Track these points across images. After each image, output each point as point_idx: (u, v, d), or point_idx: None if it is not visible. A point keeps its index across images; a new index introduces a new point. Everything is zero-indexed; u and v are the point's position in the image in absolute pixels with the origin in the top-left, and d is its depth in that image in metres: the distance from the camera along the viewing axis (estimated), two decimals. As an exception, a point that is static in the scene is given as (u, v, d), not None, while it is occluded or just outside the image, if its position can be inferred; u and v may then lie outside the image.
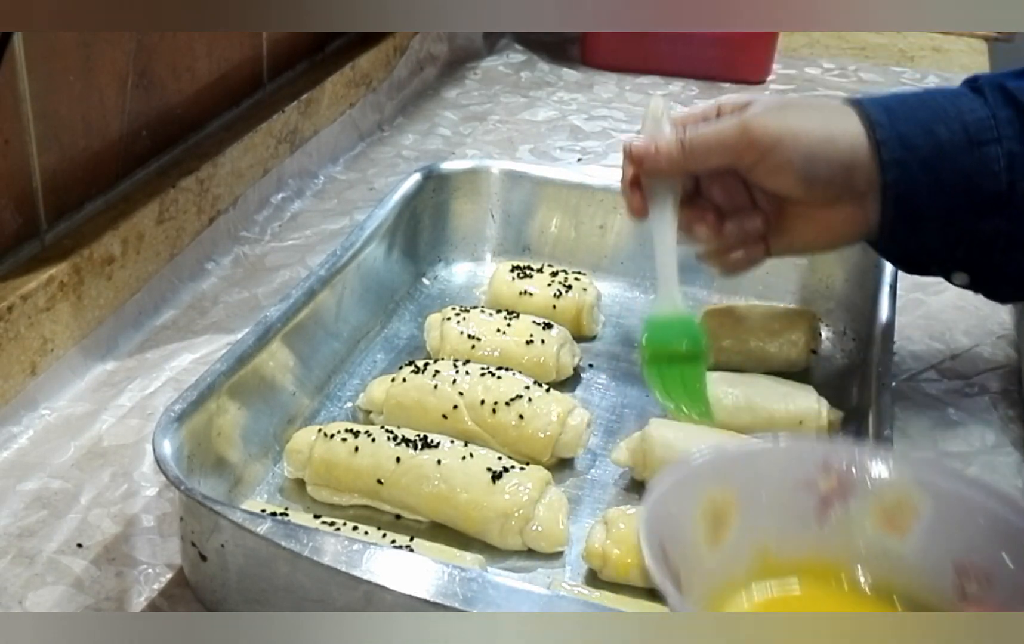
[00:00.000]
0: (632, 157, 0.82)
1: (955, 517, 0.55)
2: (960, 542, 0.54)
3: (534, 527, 0.74)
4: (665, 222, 0.82)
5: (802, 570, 0.57)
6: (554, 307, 0.98)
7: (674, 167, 0.80)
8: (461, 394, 0.83)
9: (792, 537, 0.57)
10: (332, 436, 0.78)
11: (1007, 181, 0.76)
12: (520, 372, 0.86)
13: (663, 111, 0.83)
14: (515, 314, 0.94)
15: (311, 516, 0.74)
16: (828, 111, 0.80)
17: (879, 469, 0.57)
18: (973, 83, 0.79)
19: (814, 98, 0.80)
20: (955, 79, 1.57)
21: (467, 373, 0.84)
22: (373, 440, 0.78)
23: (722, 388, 0.85)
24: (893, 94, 0.80)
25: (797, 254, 0.93)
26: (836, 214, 0.80)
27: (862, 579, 0.57)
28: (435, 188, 1.07)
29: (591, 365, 0.95)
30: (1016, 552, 0.52)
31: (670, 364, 0.80)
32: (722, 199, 0.83)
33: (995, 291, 0.85)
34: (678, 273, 0.82)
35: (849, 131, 0.77)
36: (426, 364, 0.86)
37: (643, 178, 0.82)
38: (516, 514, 0.74)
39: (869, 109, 0.77)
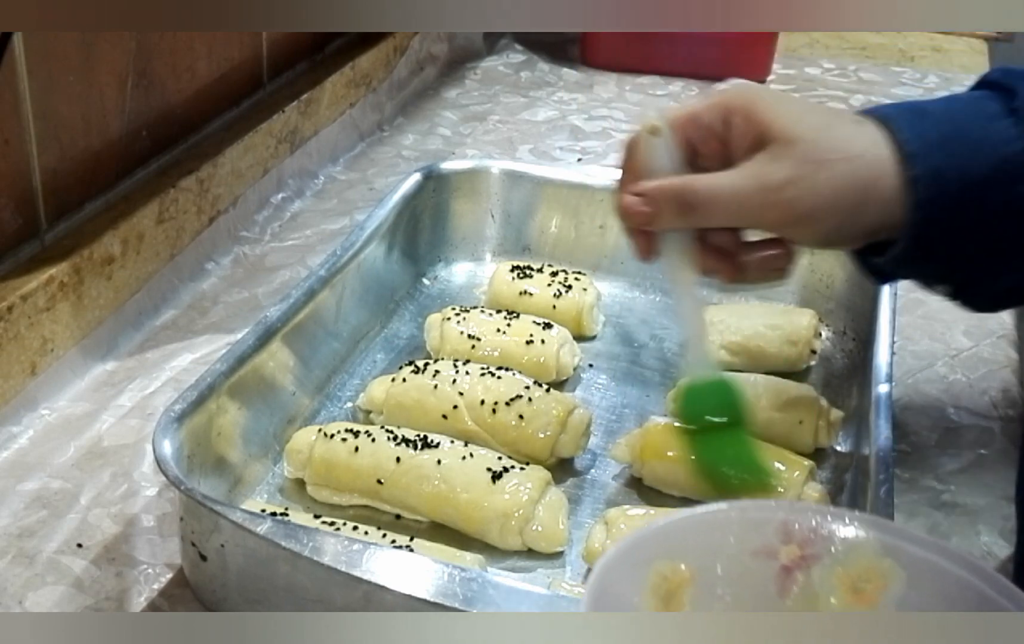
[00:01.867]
0: (625, 217, 0.70)
1: (928, 589, 0.50)
2: (929, 612, 0.50)
3: (534, 527, 0.74)
4: (681, 269, 0.71)
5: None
6: (554, 307, 0.98)
7: (675, 225, 0.69)
8: (461, 394, 0.83)
9: (751, 612, 0.53)
10: (332, 436, 0.78)
11: None
12: (520, 372, 0.86)
13: (662, 122, 0.69)
14: (515, 314, 0.94)
15: (311, 516, 0.74)
16: (866, 154, 0.67)
17: (844, 535, 0.52)
18: (1011, 101, 0.69)
19: (843, 120, 0.69)
20: (955, 79, 1.58)
21: (467, 373, 0.84)
22: (373, 440, 0.78)
23: (722, 388, 0.85)
24: (926, 110, 0.70)
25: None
26: (852, 242, 0.71)
27: None
28: (435, 188, 1.07)
29: (591, 365, 0.95)
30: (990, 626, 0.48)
31: (713, 434, 0.70)
32: (727, 242, 0.72)
33: (974, 301, 0.77)
34: (705, 329, 0.74)
35: (888, 173, 0.66)
36: (426, 364, 0.86)
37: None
38: (516, 514, 0.74)
39: (903, 136, 0.67)
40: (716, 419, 0.70)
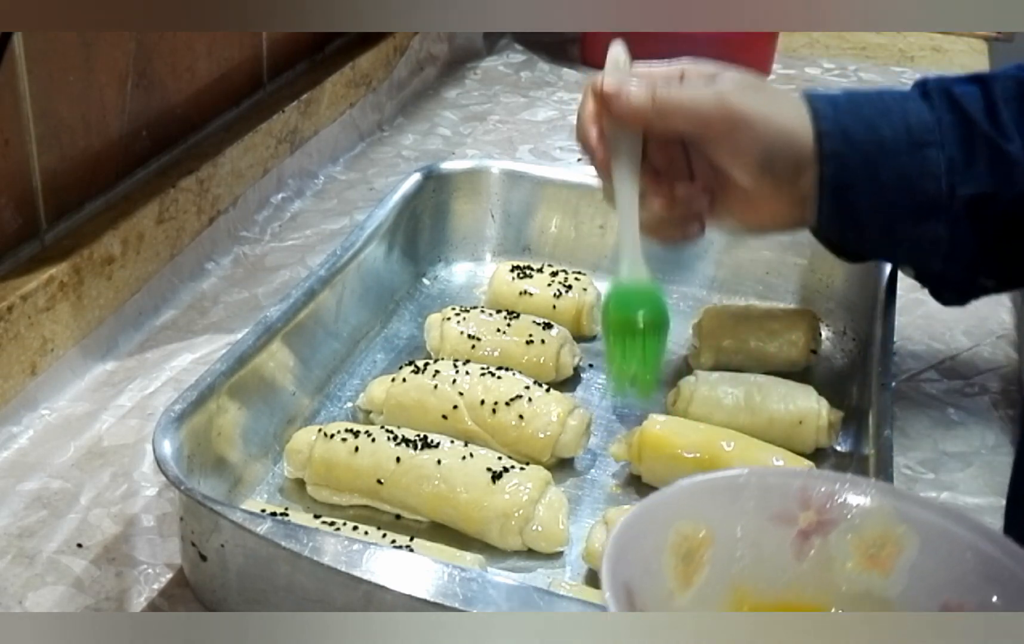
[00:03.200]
0: (600, 96, 0.77)
1: (941, 554, 0.51)
2: (947, 581, 0.51)
3: (534, 527, 0.74)
4: (628, 182, 0.77)
5: (780, 610, 0.54)
6: (554, 307, 0.98)
7: (639, 120, 0.77)
8: (461, 394, 0.83)
9: (769, 575, 0.54)
10: (332, 436, 0.78)
11: (947, 185, 0.75)
12: (520, 372, 0.86)
13: (626, 60, 0.79)
14: (515, 314, 0.94)
15: (311, 516, 0.74)
16: (790, 102, 0.78)
17: (860, 502, 0.54)
18: (923, 86, 0.79)
19: (777, 87, 0.78)
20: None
21: (467, 373, 0.84)
22: (373, 440, 0.78)
23: (722, 388, 0.85)
24: (845, 91, 0.80)
25: (728, 232, 0.93)
26: (775, 204, 0.78)
27: None
28: (435, 188, 1.07)
29: (591, 365, 0.95)
30: (1005, 593, 0.49)
31: (632, 336, 0.75)
32: (663, 166, 0.80)
33: (939, 294, 0.83)
34: (640, 236, 0.77)
35: (805, 127, 0.76)
36: (426, 364, 0.86)
37: (607, 129, 0.78)
38: (516, 514, 0.74)
39: (816, 102, 0.77)
40: (638, 318, 0.75)
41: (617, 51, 0.80)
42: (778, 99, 0.78)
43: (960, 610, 0.50)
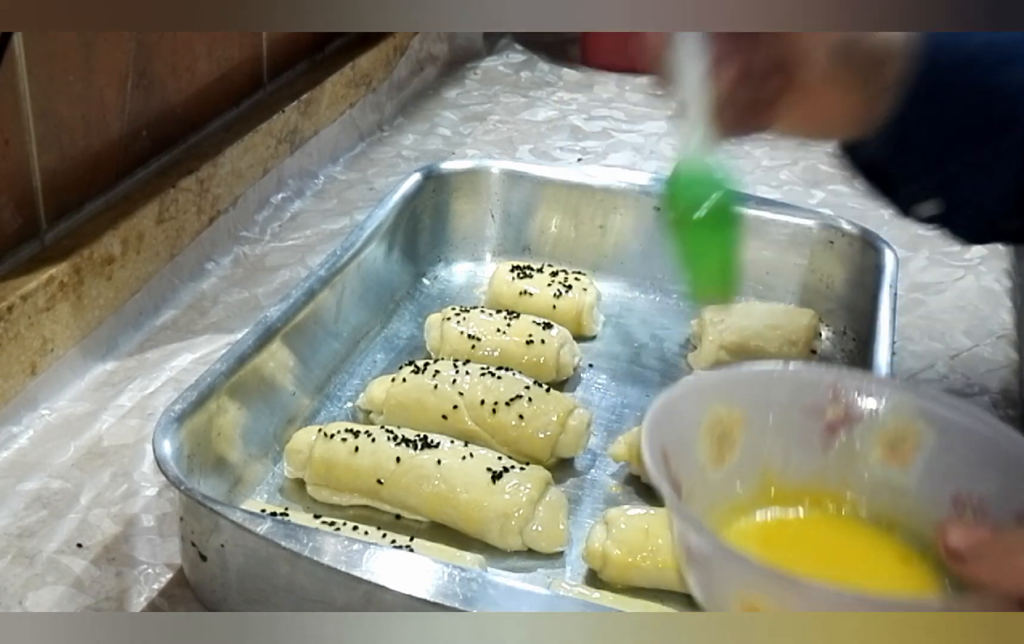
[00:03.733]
0: None
1: (956, 448, 0.55)
2: (959, 473, 0.55)
3: (534, 527, 0.74)
4: (694, 54, 0.70)
5: (805, 495, 0.58)
6: (554, 307, 0.98)
7: None
8: (461, 394, 0.83)
9: (796, 462, 0.58)
10: (332, 436, 0.78)
11: (1011, 107, 0.73)
12: (520, 372, 0.86)
13: None
14: (515, 314, 0.94)
15: (311, 516, 0.74)
16: None
17: (885, 399, 0.58)
18: None
19: None
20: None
21: (467, 373, 0.84)
22: (373, 440, 0.78)
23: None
24: None
25: (790, 137, 0.83)
26: (844, 103, 0.74)
27: (862, 508, 0.58)
28: (435, 188, 1.07)
29: (591, 365, 0.95)
30: (1004, 476, 0.53)
31: (698, 230, 0.67)
32: (725, 55, 0.73)
33: (957, 226, 0.81)
34: (707, 121, 0.70)
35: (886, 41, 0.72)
36: (426, 364, 0.86)
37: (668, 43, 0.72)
38: (516, 514, 0.74)
39: None
40: (706, 213, 0.66)
41: None
42: None
43: (969, 499, 0.54)
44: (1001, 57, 0.73)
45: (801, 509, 0.58)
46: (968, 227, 0.81)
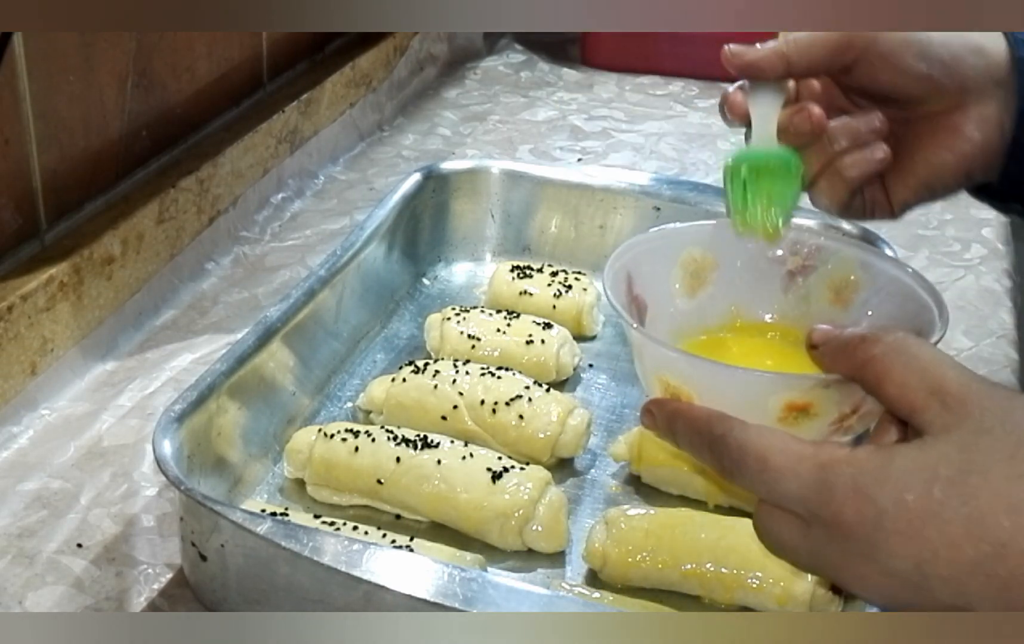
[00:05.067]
0: (731, 58, 0.68)
1: (881, 291, 0.65)
2: (881, 311, 0.65)
3: (534, 527, 0.74)
4: (767, 117, 0.69)
5: (764, 328, 0.68)
6: (554, 307, 0.98)
7: (777, 63, 0.68)
8: (461, 394, 0.83)
9: (760, 301, 0.68)
10: (332, 436, 0.78)
11: None
12: (520, 372, 0.86)
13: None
14: (515, 314, 0.94)
15: (311, 516, 0.74)
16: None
17: (835, 253, 0.67)
18: None
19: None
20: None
21: (467, 373, 0.84)
22: (373, 440, 0.78)
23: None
24: None
25: (926, 192, 0.74)
26: (965, 117, 0.70)
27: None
28: (435, 188, 1.07)
29: (591, 365, 0.95)
30: (910, 311, 0.63)
31: (759, 177, 0.67)
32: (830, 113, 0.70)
33: None
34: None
35: (990, 37, 0.70)
36: (426, 364, 0.86)
37: (747, 94, 0.69)
38: (516, 514, 0.74)
39: (1013, 34, 0.70)
40: (768, 166, 0.68)
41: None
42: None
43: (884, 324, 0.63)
44: None
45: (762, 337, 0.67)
46: None
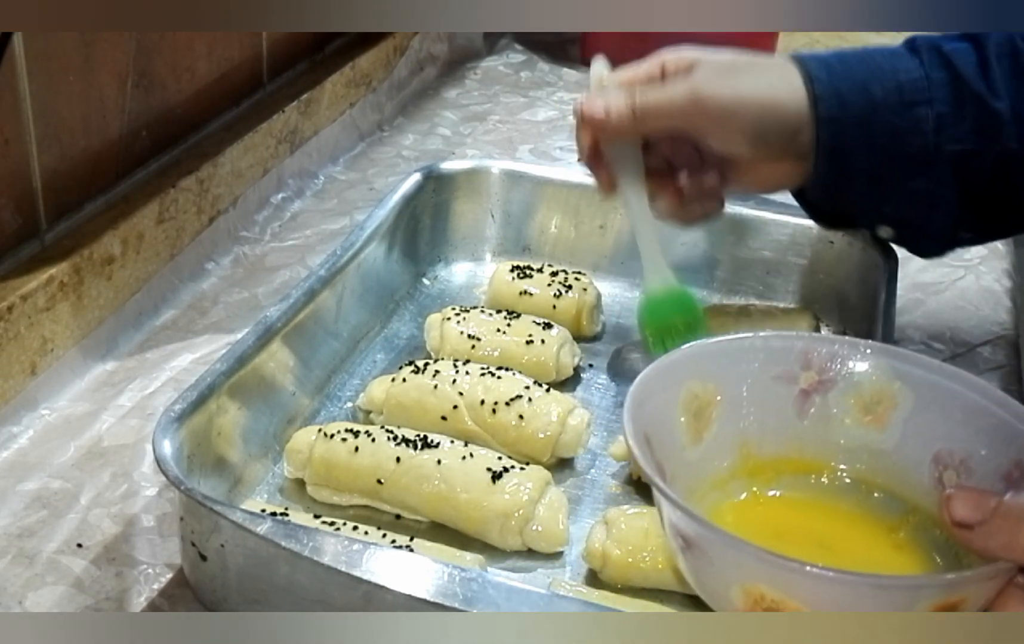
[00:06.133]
0: (586, 120, 0.81)
1: (934, 407, 0.55)
2: (938, 432, 0.55)
3: (534, 527, 0.74)
4: (635, 194, 0.82)
5: (783, 465, 0.58)
6: (554, 307, 0.98)
7: (625, 132, 0.80)
8: (461, 394, 0.83)
9: (772, 431, 0.58)
10: (332, 436, 0.78)
11: (934, 142, 0.78)
12: (520, 372, 0.86)
13: (607, 73, 0.83)
14: (515, 314, 0.94)
15: (311, 516, 0.74)
16: (775, 71, 0.80)
17: (858, 362, 0.57)
18: (912, 43, 0.81)
19: (759, 57, 0.82)
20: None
21: (467, 373, 0.84)
22: (373, 440, 0.78)
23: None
24: (835, 51, 0.81)
25: (742, 196, 0.96)
26: (778, 167, 0.81)
27: (842, 474, 0.57)
28: (435, 188, 1.07)
29: (591, 365, 0.95)
30: (990, 437, 0.53)
31: (672, 340, 0.78)
32: (670, 153, 0.84)
33: (917, 246, 0.87)
34: (659, 244, 0.82)
35: (795, 92, 0.78)
36: (426, 364, 0.86)
37: (603, 147, 0.82)
38: (516, 514, 0.74)
39: (809, 65, 0.79)
40: (676, 325, 0.79)
41: (598, 67, 0.84)
42: (759, 73, 0.80)
43: (951, 459, 0.54)
44: (906, 99, 0.78)
45: (780, 480, 0.58)
46: (924, 246, 0.87)
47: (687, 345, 0.59)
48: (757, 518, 0.57)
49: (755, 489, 0.57)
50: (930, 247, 0.87)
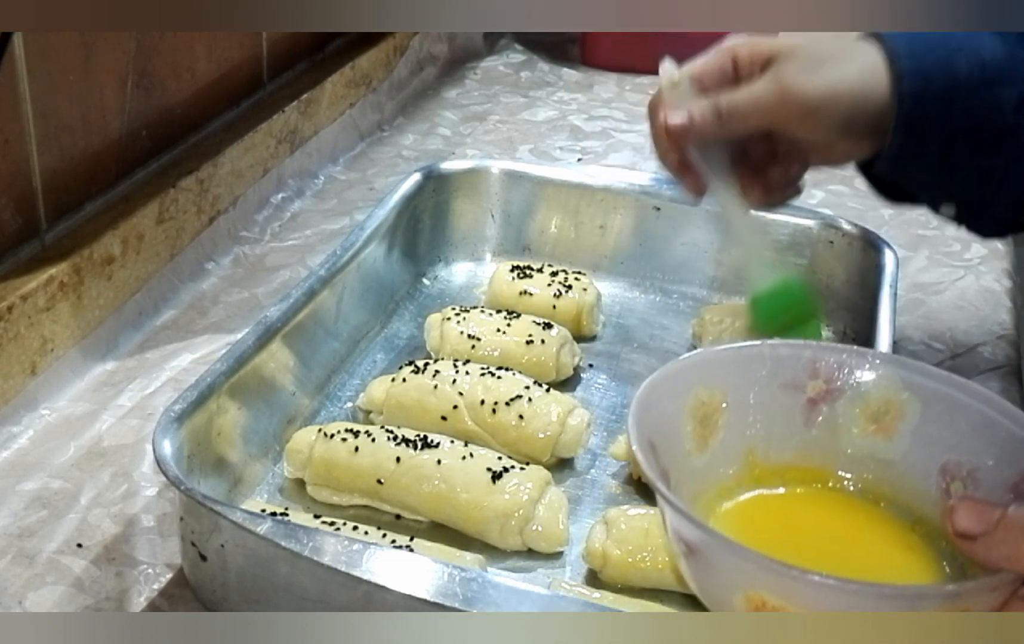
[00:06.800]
0: (671, 133, 0.79)
1: (941, 418, 0.55)
2: (946, 442, 0.54)
3: (534, 527, 0.74)
4: (728, 192, 0.80)
5: (789, 474, 0.57)
6: (554, 307, 0.98)
7: (712, 137, 0.78)
8: (461, 394, 0.83)
9: (779, 439, 0.57)
10: (332, 436, 0.78)
11: (1014, 122, 0.76)
12: (520, 372, 0.86)
13: (678, 74, 0.80)
14: (515, 314, 0.94)
15: (311, 516, 0.74)
16: (860, 57, 0.78)
17: (866, 371, 0.57)
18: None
19: (839, 41, 0.80)
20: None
21: (467, 373, 0.84)
22: (373, 440, 0.78)
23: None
24: (918, 32, 0.79)
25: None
26: (856, 144, 0.80)
27: (849, 483, 0.57)
28: (435, 188, 1.07)
29: (591, 365, 0.95)
30: (998, 449, 0.52)
31: (788, 334, 0.73)
32: (748, 146, 0.82)
33: (977, 225, 0.85)
34: (761, 236, 0.80)
35: (881, 76, 0.76)
36: (426, 364, 0.86)
37: (688, 153, 0.80)
38: (516, 514, 0.74)
39: (893, 41, 0.77)
40: (788, 318, 0.76)
41: (667, 68, 0.80)
42: (845, 60, 0.78)
43: (958, 470, 0.54)
44: (989, 78, 0.76)
45: (785, 488, 0.58)
46: (985, 226, 0.85)
47: (695, 352, 0.59)
48: (764, 516, 0.57)
49: (760, 494, 0.57)
50: (991, 227, 0.86)
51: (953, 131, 0.77)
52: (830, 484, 0.58)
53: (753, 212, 0.81)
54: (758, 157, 0.82)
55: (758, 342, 0.59)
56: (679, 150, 0.80)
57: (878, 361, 0.58)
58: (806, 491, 0.58)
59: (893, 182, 0.84)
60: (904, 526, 0.56)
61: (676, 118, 0.78)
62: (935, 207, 0.85)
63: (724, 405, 0.57)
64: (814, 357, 0.58)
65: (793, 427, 0.58)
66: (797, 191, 0.85)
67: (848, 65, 0.78)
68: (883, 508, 0.57)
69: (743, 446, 0.57)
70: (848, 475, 0.58)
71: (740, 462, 0.57)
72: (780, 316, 0.77)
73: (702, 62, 0.80)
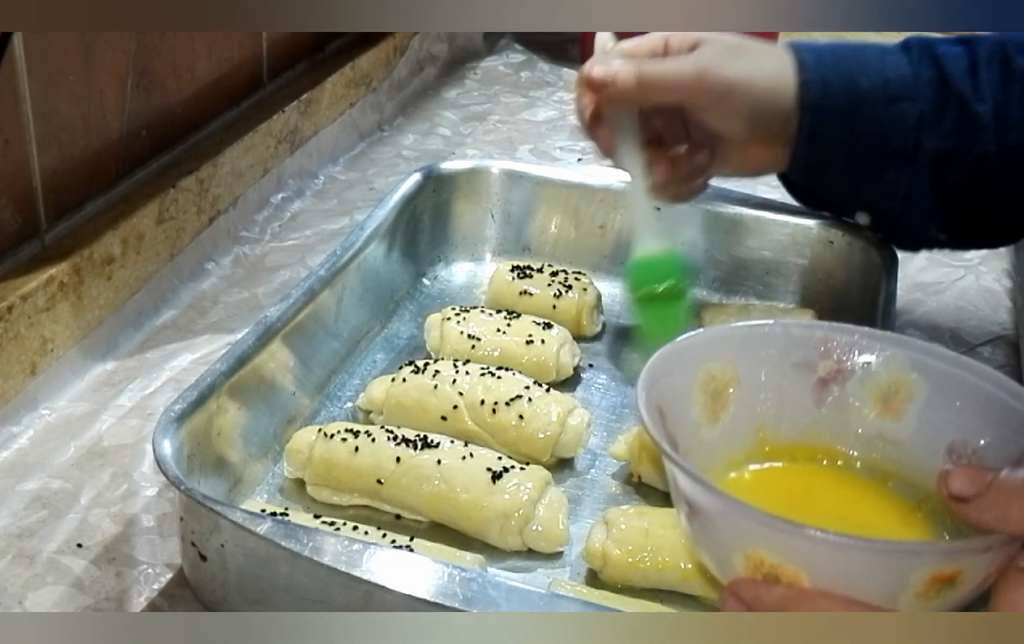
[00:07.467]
0: (591, 84, 0.82)
1: (949, 399, 0.56)
2: (953, 423, 0.55)
3: (534, 527, 0.74)
4: (632, 159, 0.84)
5: (798, 451, 0.58)
6: (554, 307, 0.98)
7: (628, 100, 0.82)
8: (461, 394, 0.83)
9: (789, 417, 0.58)
10: (332, 436, 0.78)
11: (915, 139, 0.80)
12: (520, 372, 0.86)
13: (612, 43, 0.85)
14: (515, 314, 0.94)
15: (311, 516, 0.74)
16: (775, 57, 0.82)
17: (876, 353, 0.58)
18: (906, 42, 0.83)
19: (760, 43, 0.85)
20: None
21: (467, 373, 0.84)
22: (373, 440, 0.78)
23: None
24: (831, 42, 0.84)
25: (727, 178, 0.96)
26: (767, 150, 0.84)
27: (857, 462, 0.58)
28: (435, 188, 1.07)
29: (591, 365, 0.95)
30: (1002, 426, 0.53)
31: (656, 303, 0.81)
32: (663, 127, 0.86)
33: (893, 237, 0.89)
34: (653, 207, 0.84)
35: (790, 79, 0.81)
36: (426, 364, 0.86)
37: (604, 112, 0.83)
38: (516, 514, 0.74)
39: (802, 53, 0.81)
40: (661, 289, 0.80)
41: (604, 37, 0.85)
42: (761, 58, 0.82)
43: (965, 448, 0.54)
44: (892, 95, 0.80)
45: (794, 464, 0.59)
46: (900, 238, 0.90)
47: (707, 328, 0.61)
48: (771, 487, 0.57)
49: (769, 466, 0.58)
50: (906, 240, 0.89)
51: (857, 144, 0.81)
52: (838, 462, 0.59)
53: (646, 182, 0.84)
54: (670, 141, 0.86)
55: (770, 321, 0.60)
56: (596, 109, 0.84)
57: (888, 342, 0.59)
58: (814, 467, 0.58)
59: (806, 189, 0.89)
60: (909, 505, 0.57)
61: (599, 72, 0.82)
62: (850, 215, 0.90)
63: (736, 381, 0.58)
64: (825, 337, 0.59)
65: (804, 406, 0.58)
66: (701, 187, 0.89)
67: (764, 61, 0.82)
68: (890, 487, 0.58)
69: (754, 423, 0.58)
70: (856, 454, 0.59)
71: (750, 438, 0.58)
72: (651, 285, 0.80)
73: (637, 39, 0.85)
